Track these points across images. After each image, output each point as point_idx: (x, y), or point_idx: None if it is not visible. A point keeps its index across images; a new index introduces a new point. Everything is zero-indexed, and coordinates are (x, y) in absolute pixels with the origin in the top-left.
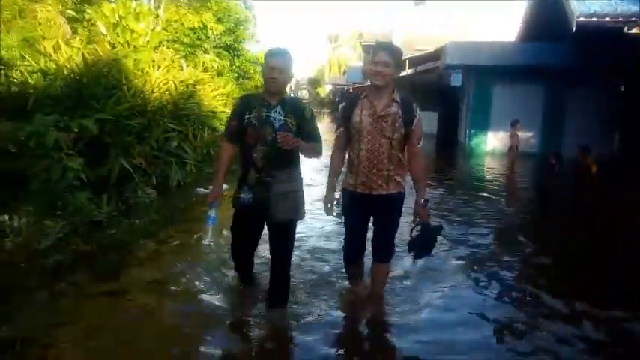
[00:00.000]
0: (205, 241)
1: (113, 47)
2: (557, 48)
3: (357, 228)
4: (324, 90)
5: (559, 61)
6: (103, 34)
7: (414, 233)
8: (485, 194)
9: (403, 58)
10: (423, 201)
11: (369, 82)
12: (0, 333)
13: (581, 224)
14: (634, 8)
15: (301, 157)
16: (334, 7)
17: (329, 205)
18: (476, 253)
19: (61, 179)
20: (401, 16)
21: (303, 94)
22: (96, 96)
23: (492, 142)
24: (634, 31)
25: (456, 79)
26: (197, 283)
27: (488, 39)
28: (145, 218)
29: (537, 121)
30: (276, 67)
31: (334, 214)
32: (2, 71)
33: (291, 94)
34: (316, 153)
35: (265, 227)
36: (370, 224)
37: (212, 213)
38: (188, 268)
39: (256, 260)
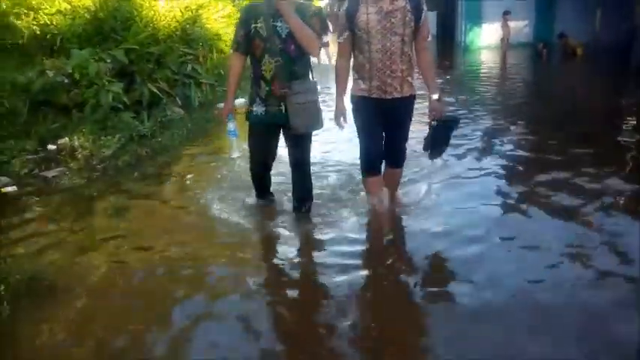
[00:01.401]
0: (234, 155)
1: None
2: None
3: (374, 134)
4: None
5: None
6: None
7: (431, 131)
8: (480, 87)
9: None
10: (437, 95)
11: None
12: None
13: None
14: None
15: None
16: None
17: (341, 117)
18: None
19: (107, 102)
20: None
21: None
22: (115, 29)
23: (487, 35)
24: None
25: None
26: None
27: None
28: (181, 130)
29: (530, 10)
30: None
31: (346, 125)
32: (31, 15)
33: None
34: (309, 39)
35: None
36: None
37: (230, 126)
38: (222, 166)
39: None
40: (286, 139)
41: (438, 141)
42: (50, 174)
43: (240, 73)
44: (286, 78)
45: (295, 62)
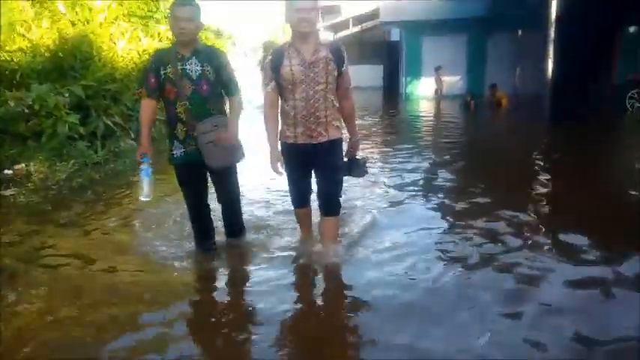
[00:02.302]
0: (142, 198)
1: (73, 24)
2: (472, 2)
3: (302, 180)
4: None
5: (477, 14)
6: (63, 13)
7: (345, 161)
8: (417, 133)
9: (350, 16)
10: (355, 139)
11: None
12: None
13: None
14: None
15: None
16: None
17: (277, 163)
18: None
19: (63, 132)
20: None
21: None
22: (74, 67)
23: (424, 87)
24: None
25: (395, 34)
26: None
27: None
28: (131, 159)
29: (463, 67)
30: (182, 16)
31: (282, 171)
32: None
33: (245, 57)
34: (241, 110)
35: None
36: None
37: (144, 166)
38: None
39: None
40: (210, 176)
41: (354, 172)
42: (7, 192)
43: (153, 117)
44: (201, 118)
45: (208, 101)
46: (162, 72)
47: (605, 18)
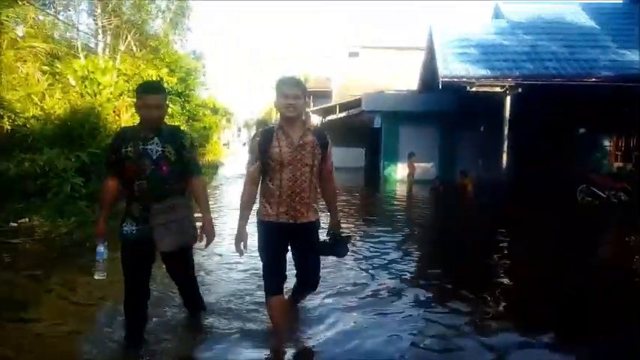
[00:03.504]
0: (96, 277)
1: (82, 96)
2: (444, 97)
3: (278, 259)
4: None
5: (447, 107)
6: (72, 86)
7: (327, 240)
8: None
9: (340, 102)
10: (336, 220)
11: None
12: None
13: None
14: (480, 72)
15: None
16: (280, 54)
17: (241, 243)
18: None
19: (67, 192)
20: (337, 64)
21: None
22: (81, 135)
23: (401, 171)
24: (474, 89)
25: (377, 122)
26: None
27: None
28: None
29: (434, 154)
30: (152, 104)
31: (244, 250)
32: (9, 118)
33: (239, 133)
34: (205, 192)
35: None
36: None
37: (100, 248)
38: None
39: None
40: (162, 257)
41: (335, 250)
42: (14, 241)
43: (113, 194)
44: (158, 197)
45: (167, 181)
46: (123, 150)
47: (557, 120)
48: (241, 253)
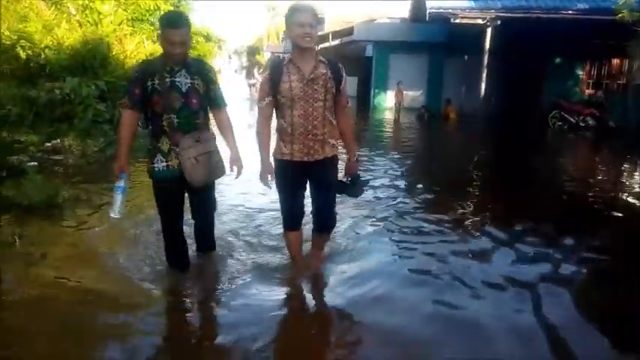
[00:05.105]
0: (112, 215)
1: (81, 26)
2: (434, 28)
3: (296, 197)
4: (263, 57)
5: (437, 38)
6: (73, 14)
7: (344, 179)
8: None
9: (330, 31)
10: (354, 158)
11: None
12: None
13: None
14: (464, 4)
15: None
16: None
17: (268, 175)
18: None
19: (90, 117)
20: None
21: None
22: (93, 65)
23: (390, 99)
24: (457, 20)
25: (369, 50)
26: None
27: (393, 16)
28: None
29: (423, 83)
30: (174, 40)
31: (271, 185)
32: (22, 48)
33: (229, 60)
34: (231, 125)
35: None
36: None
37: (121, 182)
38: None
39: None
40: (187, 191)
41: (350, 192)
42: (57, 157)
43: (133, 129)
44: (187, 132)
45: (197, 115)
46: (149, 83)
47: (534, 51)
48: (269, 187)
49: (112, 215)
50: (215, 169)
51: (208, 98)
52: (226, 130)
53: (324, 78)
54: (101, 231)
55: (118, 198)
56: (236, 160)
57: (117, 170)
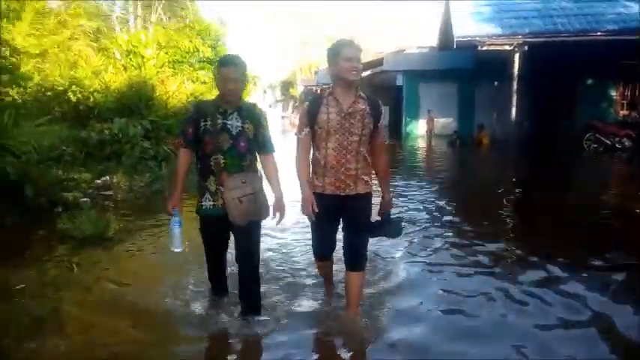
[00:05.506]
0: (173, 249)
1: (125, 69)
2: (462, 54)
3: (327, 231)
4: (297, 90)
5: (466, 65)
6: (117, 59)
7: (378, 220)
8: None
9: (365, 61)
10: (388, 197)
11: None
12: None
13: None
14: (491, 30)
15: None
16: (303, 13)
17: (310, 205)
18: None
19: (137, 154)
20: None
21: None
22: (138, 107)
23: (422, 127)
24: (485, 47)
25: (399, 80)
26: None
27: (422, 45)
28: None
29: (454, 111)
30: (229, 77)
31: (314, 212)
32: (73, 92)
33: (264, 95)
34: (277, 170)
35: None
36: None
37: (176, 218)
38: None
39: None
40: (232, 230)
41: (384, 232)
42: (107, 193)
43: (188, 168)
44: (234, 172)
45: (244, 158)
46: (202, 124)
47: (565, 74)
48: (312, 216)
49: (172, 249)
50: (259, 209)
51: (257, 142)
52: (272, 175)
53: (362, 113)
54: (148, 261)
55: (176, 232)
56: (279, 206)
57: (170, 207)
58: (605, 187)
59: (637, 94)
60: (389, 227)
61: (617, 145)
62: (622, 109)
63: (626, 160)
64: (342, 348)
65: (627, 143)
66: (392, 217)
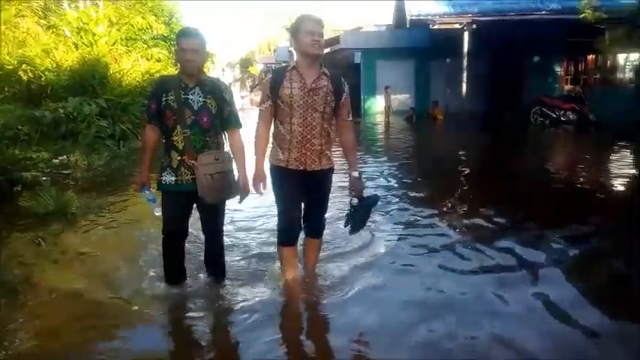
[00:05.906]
0: (157, 213)
1: (77, 47)
2: (417, 33)
3: (293, 206)
4: (256, 69)
5: (422, 44)
6: (67, 37)
7: (350, 209)
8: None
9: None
10: (357, 173)
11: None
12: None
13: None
14: (442, 9)
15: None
16: None
17: (260, 183)
18: None
19: (93, 133)
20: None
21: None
22: (92, 85)
23: (380, 103)
24: (436, 26)
25: (357, 57)
26: None
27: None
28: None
29: (411, 88)
30: (188, 48)
31: (264, 192)
32: (24, 71)
33: (223, 73)
34: (242, 147)
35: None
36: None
37: (147, 195)
38: None
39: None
40: (198, 207)
41: (357, 218)
42: (66, 172)
43: (154, 143)
44: (198, 149)
45: (207, 133)
46: (163, 99)
47: (512, 51)
48: (261, 194)
49: (157, 214)
50: (228, 188)
51: (221, 117)
52: (238, 151)
53: (326, 90)
54: (110, 233)
55: (154, 207)
56: (243, 185)
57: (138, 184)
58: (546, 157)
59: (580, 69)
60: (359, 217)
61: (562, 118)
62: (566, 84)
63: (571, 132)
64: (301, 300)
65: (572, 116)
66: (366, 199)
